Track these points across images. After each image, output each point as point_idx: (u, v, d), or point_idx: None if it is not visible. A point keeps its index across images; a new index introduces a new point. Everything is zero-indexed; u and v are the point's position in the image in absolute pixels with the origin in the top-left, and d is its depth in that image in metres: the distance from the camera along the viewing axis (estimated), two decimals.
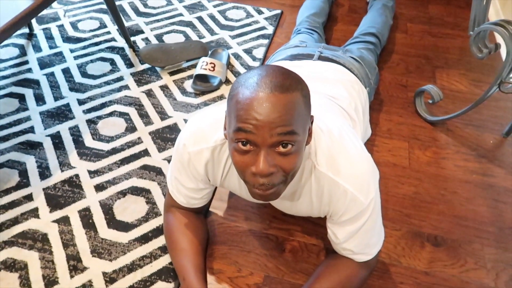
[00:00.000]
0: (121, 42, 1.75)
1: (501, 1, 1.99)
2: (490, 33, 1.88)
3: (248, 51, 1.73)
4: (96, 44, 1.74)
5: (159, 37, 1.80)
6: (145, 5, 2.00)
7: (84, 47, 1.72)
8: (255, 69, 0.72)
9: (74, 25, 1.84)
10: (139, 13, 1.94)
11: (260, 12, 1.97)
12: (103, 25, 1.85)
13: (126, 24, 1.87)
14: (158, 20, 1.90)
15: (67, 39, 1.76)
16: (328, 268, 0.94)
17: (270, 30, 1.86)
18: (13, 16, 1.14)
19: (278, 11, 1.98)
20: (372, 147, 1.38)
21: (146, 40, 1.78)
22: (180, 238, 0.99)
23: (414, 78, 1.66)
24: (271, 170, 0.69)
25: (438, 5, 2.12)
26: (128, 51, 1.71)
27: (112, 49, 1.72)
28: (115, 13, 1.62)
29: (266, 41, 1.79)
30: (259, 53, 1.73)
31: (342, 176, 0.82)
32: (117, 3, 2.00)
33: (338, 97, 1.09)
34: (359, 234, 0.88)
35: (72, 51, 1.70)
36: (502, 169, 1.32)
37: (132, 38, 1.78)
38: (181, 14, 1.94)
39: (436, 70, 1.70)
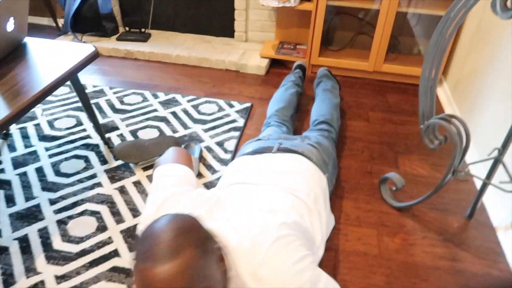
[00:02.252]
0: (96, 139, 1.81)
1: (451, 87, 2.19)
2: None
3: (220, 144, 1.81)
4: (72, 141, 1.79)
5: (134, 132, 1.87)
6: (122, 102, 2.10)
7: (59, 145, 1.76)
8: (150, 230, 0.76)
9: (50, 124, 1.90)
10: (115, 110, 2.03)
11: (231, 106, 2.09)
12: (79, 123, 1.92)
13: (102, 121, 1.94)
14: (133, 116, 1.99)
15: (43, 137, 1.80)
16: None
17: (241, 122, 1.96)
18: None
19: (248, 104, 2.11)
20: (342, 236, 1.40)
21: (121, 136, 1.84)
22: None
23: (378, 164, 1.75)
24: None
25: (396, 94, 2.30)
26: (103, 147, 1.76)
27: (87, 146, 1.76)
28: (90, 111, 1.69)
29: (237, 133, 1.88)
30: (230, 145, 1.80)
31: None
32: (94, 101, 2.10)
33: (296, 188, 1.13)
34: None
35: (47, 149, 1.73)
36: (468, 253, 1.36)
37: (108, 135, 1.84)
38: (156, 110, 2.04)
39: (398, 156, 1.80)
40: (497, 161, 1.34)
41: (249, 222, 0.92)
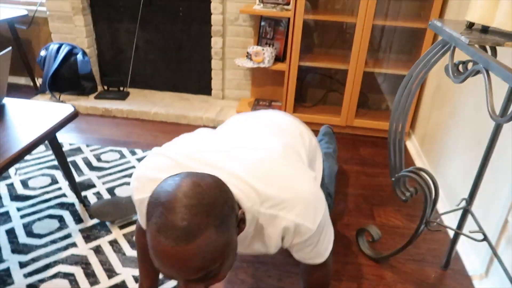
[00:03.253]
0: (71, 198, 1.78)
1: (419, 141, 2.30)
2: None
3: None
4: (46, 201, 1.75)
5: (111, 190, 1.85)
6: (99, 160, 2.09)
7: (33, 205, 1.72)
8: (168, 192, 0.69)
9: (24, 183, 1.86)
10: (92, 168, 2.02)
11: None
12: (54, 181, 1.89)
13: (78, 179, 1.92)
14: (110, 174, 1.98)
15: (16, 197, 1.76)
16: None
17: None
18: None
19: None
20: None
21: (98, 194, 1.82)
22: (143, 261, 1.17)
23: (355, 216, 1.78)
24: None
25: (368, 148, 2.40)
26: (78, 206, 1.73)
27: (61, 205, 1.73)
28: (67, 169, 1.68)
29: None
30: None
31: (289, 211, 0.87)
32: (70, 158, 2.08)
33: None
34: (313, 251, 0.96)
35: (19, 209, 1.69)
36: None
37: (84, 193, 1.82)
38: (133, 167, 2.04)
39: (373, 208, 1.85)
40: (466, 211, 1.40)
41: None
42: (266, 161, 0.93)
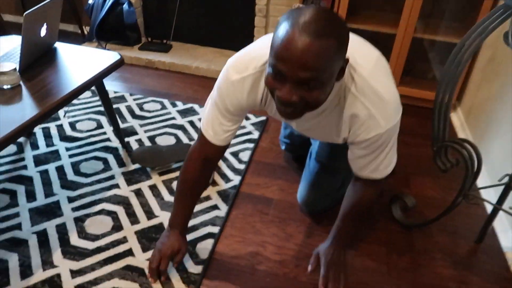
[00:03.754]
0: (115, 143, 1.86)
1: (465, 113, 2.21)
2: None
3: (235, 154, 1.85)
4: (92, 143, 1.84)
5: (151, 138, 1.92)
6: (141, 109, 2.16)
7: (80, 146, 1.82)
8: (306, 7, 0.80)
9: (72, 125, 1.96)
10: (134, 116, 2.09)
11: (247, 118, 2.14)
12: (99, 126, 1.98)
13: (122, 125, 2.00)
14: (152, 123, 2.04)
15: (64, 138, 1.86)
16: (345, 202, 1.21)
17: (256, 135, 2.01)
18: (18, 124, 1.22)
19: (264, 118, 2.16)
20: (351, 251, 1.42)
21: (140, 141, 1.89)
22: (183, 195, 1.24)
23: (390, 184, 1.77)
24: (293, 99, 0.81)
25: (409, 117, 2.33)
26: (122, 151, 1.81)
27: (106, 148, 1.82)
28: (112, 115, 1.75)
29: (252, 145, 1.92)
30: (245, 156, 1.84)
31: (370, 100, 0.93)
32: (115, 106, 2.16)
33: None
34: (374, 162, 1.02)
35: (67, 149, 1.79)
36: (477, 277, 1.36)
37: (126, 139, 1.90)
38: (174, 118, 2.10)
39: (410, 177, 1.82)
40: (508, 187, 1.36)
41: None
42: (369, 55, 1.00)
